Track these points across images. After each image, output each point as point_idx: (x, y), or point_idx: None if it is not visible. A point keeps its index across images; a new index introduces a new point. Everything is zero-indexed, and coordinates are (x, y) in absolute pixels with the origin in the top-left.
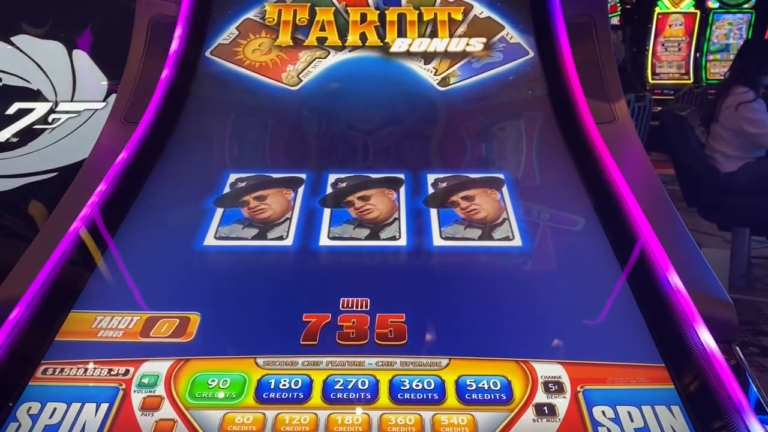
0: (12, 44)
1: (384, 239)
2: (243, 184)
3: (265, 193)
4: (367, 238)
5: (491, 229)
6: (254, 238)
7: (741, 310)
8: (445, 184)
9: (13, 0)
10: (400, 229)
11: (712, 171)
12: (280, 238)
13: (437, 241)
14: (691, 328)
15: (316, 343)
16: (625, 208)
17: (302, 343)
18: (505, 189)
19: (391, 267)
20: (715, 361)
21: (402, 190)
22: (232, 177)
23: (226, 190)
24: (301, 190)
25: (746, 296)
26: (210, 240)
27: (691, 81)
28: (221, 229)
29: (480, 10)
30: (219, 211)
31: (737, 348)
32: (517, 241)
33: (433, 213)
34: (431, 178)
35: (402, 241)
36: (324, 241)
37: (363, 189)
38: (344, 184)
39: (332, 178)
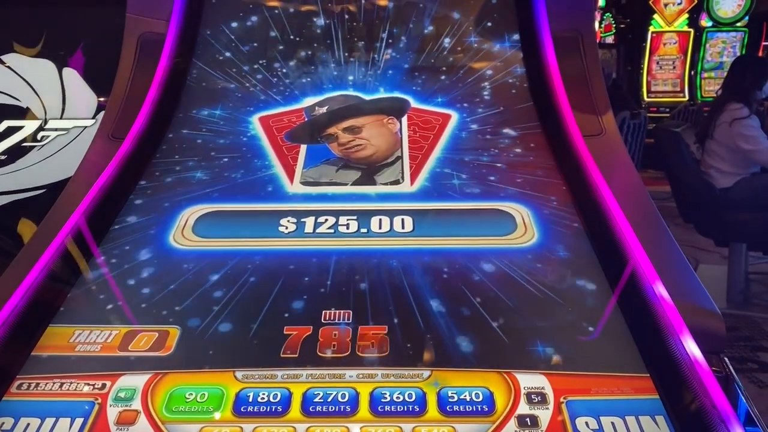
0: (2, 63)
1: (382, 184)
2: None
3: None
4: (355, 183)
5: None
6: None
7: (739, 325)
8: None
9: (3, 19)
10: (403, 170)
11: (707, 187)
12: None
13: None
14: (676, 337)
15: (296, 355)
16: (612, 219)
17: (282, 355)
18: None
19: (375, 279)
20: (700, 371)
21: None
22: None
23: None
24: None
25: (744, 312)
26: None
27: (686, 99)
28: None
29: (468, 25)
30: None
31: (726, 359)
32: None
33: None
34: None
35: (405, 185)
36: (296, 186)
37: (352, 116)
38: (324, 109)
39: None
